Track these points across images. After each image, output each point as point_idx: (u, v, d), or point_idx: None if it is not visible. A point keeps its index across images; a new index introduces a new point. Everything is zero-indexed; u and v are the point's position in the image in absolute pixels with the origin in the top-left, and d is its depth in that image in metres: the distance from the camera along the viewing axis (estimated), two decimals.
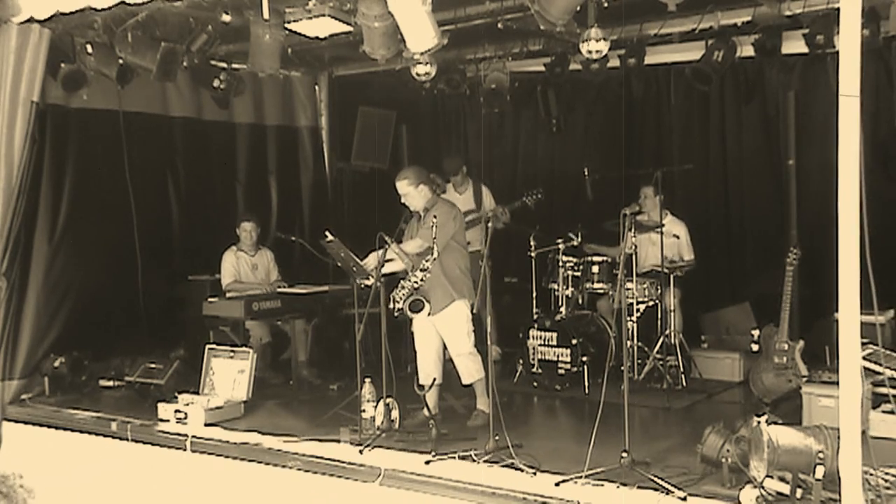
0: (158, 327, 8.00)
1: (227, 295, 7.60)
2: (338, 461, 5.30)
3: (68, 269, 7.45)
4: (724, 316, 7.91)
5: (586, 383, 6.92)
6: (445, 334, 6.03)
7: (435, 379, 6.01)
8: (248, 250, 7.94)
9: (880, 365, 5.40)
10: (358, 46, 6.24)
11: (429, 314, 5.88)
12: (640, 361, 7.16)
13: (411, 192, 5.93)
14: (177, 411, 6.25)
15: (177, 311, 8.26)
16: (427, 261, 5.78)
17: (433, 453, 5.20)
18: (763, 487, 4.21)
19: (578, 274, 7.52)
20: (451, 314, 5.95)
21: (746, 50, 7.22)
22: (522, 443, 5.28)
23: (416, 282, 5.85)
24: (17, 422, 6.83)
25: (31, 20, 6.39)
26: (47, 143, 7.27)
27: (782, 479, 4.23)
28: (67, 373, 7.28)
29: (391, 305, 5.84)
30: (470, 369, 6.00)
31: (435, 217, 5.76)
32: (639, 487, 4.52)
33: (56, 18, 6.25)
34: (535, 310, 7.69)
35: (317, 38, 6.67)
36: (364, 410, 5.80)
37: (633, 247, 7.11)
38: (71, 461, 6.45)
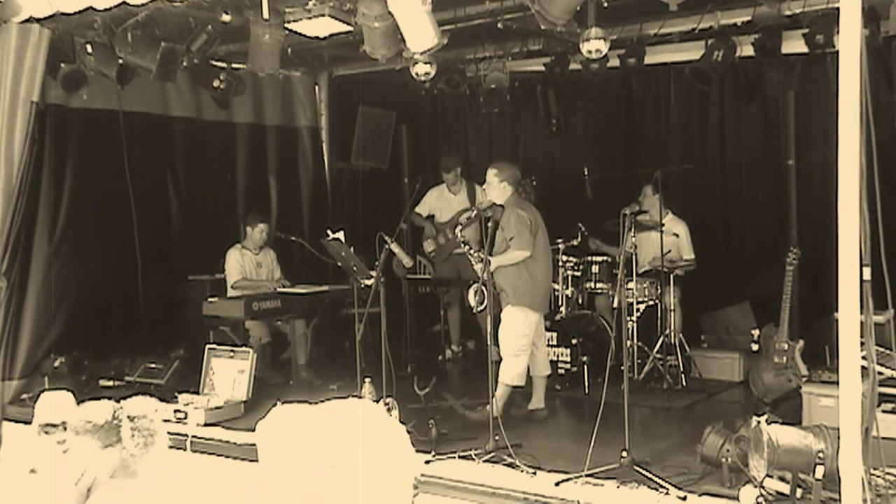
0: (158, 327, 7.98)
1: (229, 294, 7.60)
2: None
3: (68, 269, 7.44)
4: (724, 316, 7.89)
5: (586, 383, 6.92)
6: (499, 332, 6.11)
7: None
8: (253, 249, 7.94)
9: (883, 365, 5.39)
10: (358, 46, 6.24)
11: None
12: (640, 361, 7.16)
13: (494, 183, 6.12)
14: (177, 411, 6.25)
15: (177, 311, 8.25)
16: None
17: (433, 453, 5.21)
18: (763, 487, 4.21)
19: (578, 274, 7.52)
20: (505, 315, 6.05)
21: (746, 50, 7.20)
22: (522, 443, 5.29)
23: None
24: (17, 422, 6.84)
25: (30, 20, 6.38)
26: (47, 143, 7.26)
27: (782, 479, 4.24)
28: (67, 373, 7.27)
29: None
30: (509, 371, 6.06)
31: (530, 219, 5.98)
32: (639, 487, 4.52)
33: (56, 18, 6.25)
34: None
35: (317, 38, 6.67)
36: None
37: (634, 246, 7.11)
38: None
